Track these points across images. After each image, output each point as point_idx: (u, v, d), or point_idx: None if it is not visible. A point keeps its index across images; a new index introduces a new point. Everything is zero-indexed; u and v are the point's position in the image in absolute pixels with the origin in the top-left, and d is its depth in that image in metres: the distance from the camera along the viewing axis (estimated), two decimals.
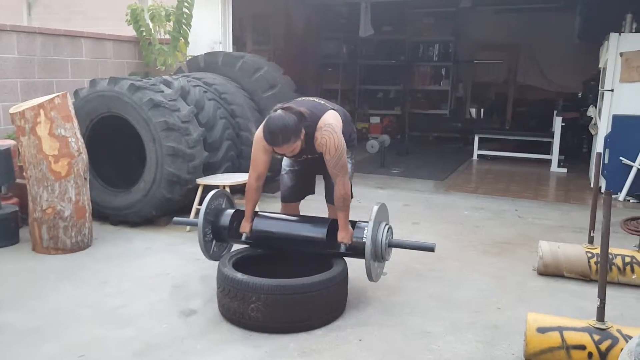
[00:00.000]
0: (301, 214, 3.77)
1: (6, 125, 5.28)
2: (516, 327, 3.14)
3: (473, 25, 11.49)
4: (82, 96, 5.05)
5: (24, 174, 4.36)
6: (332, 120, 3.27)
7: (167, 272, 3.98)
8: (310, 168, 3.61)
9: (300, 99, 3.62)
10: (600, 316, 2.73)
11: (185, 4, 6.53)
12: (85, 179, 4.44)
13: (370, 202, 3.58)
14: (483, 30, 11.34)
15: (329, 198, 3.59)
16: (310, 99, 3.55)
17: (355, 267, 3.44)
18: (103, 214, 5.06)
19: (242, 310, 3.05)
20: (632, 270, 3.78)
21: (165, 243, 4.64)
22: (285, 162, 3.70)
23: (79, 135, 4.39)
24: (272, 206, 4.91)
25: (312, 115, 3.21)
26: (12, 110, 4.27)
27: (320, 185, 3.75)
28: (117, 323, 3.19)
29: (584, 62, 9.40)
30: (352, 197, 3.49)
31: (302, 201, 3.83)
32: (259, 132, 3.28)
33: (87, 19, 8.27)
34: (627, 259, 3.81)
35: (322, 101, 3.49)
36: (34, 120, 4.16)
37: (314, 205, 4.03)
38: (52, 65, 5.83)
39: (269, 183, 5.33)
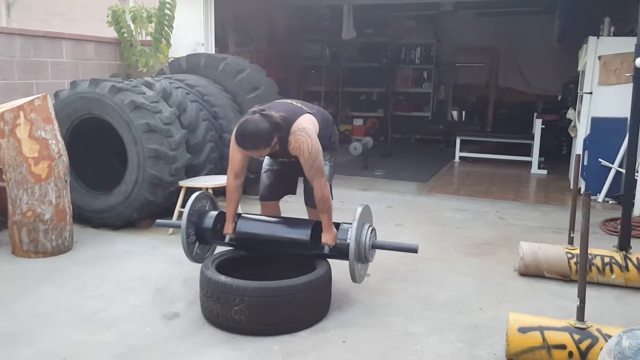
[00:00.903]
0: (283, 215, 3.77)
1: None
2: (498, 327, 3.17)
3: (454, 28, 11.56)
4: (63, 98, 4.99)
5: (4, 176, 4.29)
6: (306, 124, 3.27)
7: (149, 275, 3.95)
8: (290, 169, 3.61)
9: (277, 101, 3.61)
10: (580, 316, 2.76)
11: (167, 6, 6.49)
12: (66, 181, 4.39)
13: (354, 204, 3.60)
14: (464, 33, 11.42)
15: (308, 201, 3.60)
16: (288, 101, 3.54)
17: (339, 268, 3.44)
18: (84, 217, 5.00)
19: (225, 313, 3.03)
20: (611, 271, 3.84)
21: (147, 246, 4.60)
22: (266, 161, 3.70)
23: (59, 138, 4.34)
24: (254, 208, 4.86)
25: (287, 119, 3.20)
26: None
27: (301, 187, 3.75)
28: (98, 327, 3.15)
29: (564, 65, 9.54)
30: (332, 198, 3.49)
31: (284, 203, 3.83)
32: (234, 132, 3.27)
33: (66, 20, 8.20)
34: (606, 259, 3.87)
35: (299, 104, 3.48)
36: (13, 122, 4.10)
37: (296, 207, 4.02)
38: (32, 66, 5.74)
39: (251, 185, 5.31)
